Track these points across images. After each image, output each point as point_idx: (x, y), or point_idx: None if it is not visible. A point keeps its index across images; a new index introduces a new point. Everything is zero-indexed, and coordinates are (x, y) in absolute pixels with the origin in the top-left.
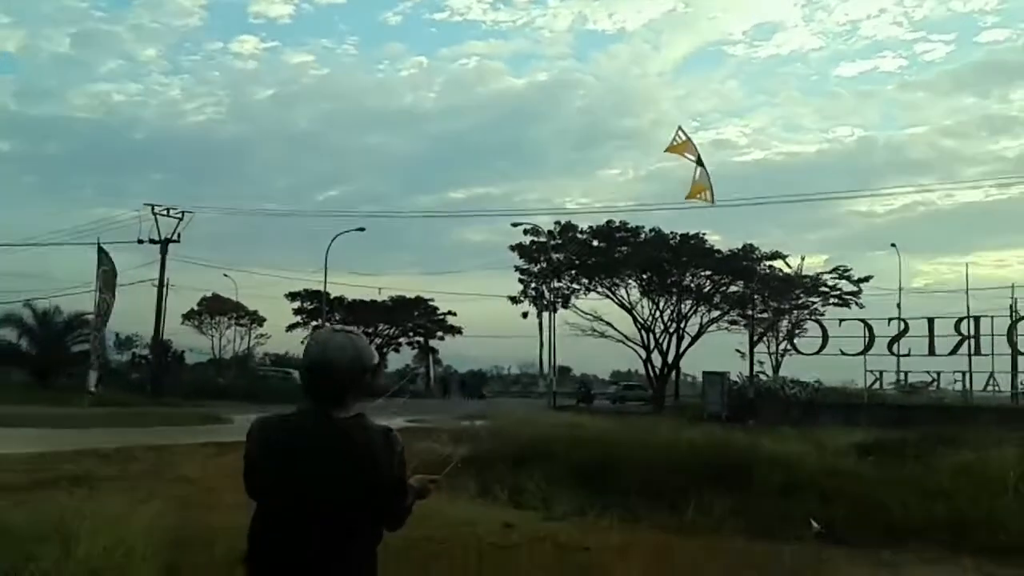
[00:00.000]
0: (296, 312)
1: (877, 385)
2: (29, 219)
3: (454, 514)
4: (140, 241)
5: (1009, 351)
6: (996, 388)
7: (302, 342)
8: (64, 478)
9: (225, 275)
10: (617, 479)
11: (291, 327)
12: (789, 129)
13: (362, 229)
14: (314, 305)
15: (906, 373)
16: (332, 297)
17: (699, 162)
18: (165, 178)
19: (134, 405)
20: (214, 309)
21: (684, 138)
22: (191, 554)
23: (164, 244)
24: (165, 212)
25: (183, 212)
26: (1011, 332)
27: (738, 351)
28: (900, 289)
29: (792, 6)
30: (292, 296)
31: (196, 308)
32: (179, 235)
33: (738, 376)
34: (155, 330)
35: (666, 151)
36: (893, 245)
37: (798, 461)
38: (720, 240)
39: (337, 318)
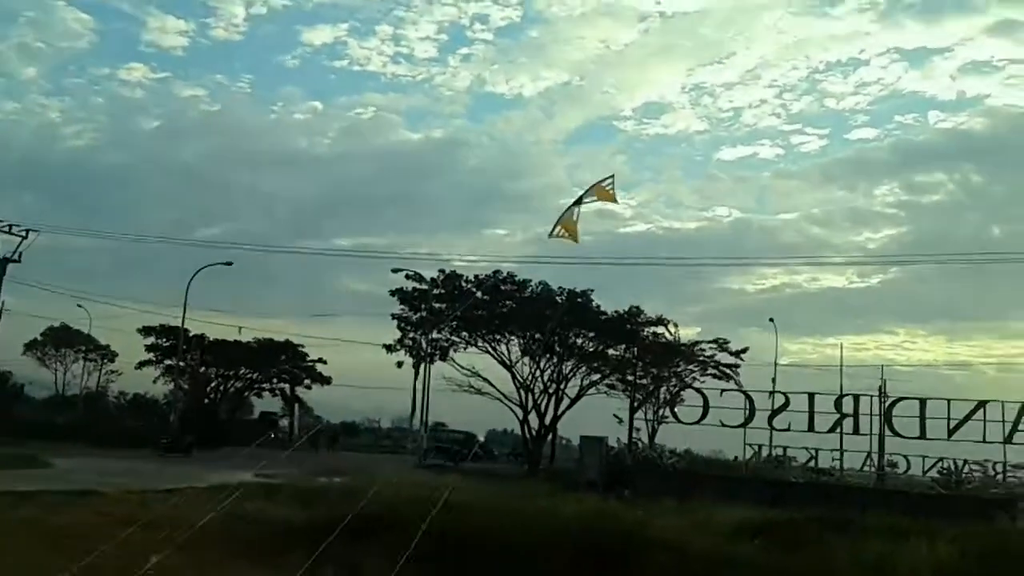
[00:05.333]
0: (149, 348)
1: (754, 459)
2: None
3: None
4: None
5: (884, 431)
6: (872, 468)
7: (154, 381)
8: None
9: (79, 305)
10: (481, 558)
11: (141, 364)
12: (671, 205)
13: (229, 263)
14: (170, 342)
15: (784, 448)
16: (192, 335)
17: (578, 202)
18: (37, 201)
19: None
20: (60, 340)
21: (612, 189)
22: None
23: (3, 264)
24: (7, 229)
25: (27, 231)
26: (888, 412)
27: (616, 416)
28: (776, 364)
29: (680, 90)
30: (146, 331)
31: (39, 338)
32: (20, 255)
33: (616, 442)
34: None
35: (591, 188)
36: (771, 320)
37: (687, 544)
38: (603, 304)
39: (193, 358)
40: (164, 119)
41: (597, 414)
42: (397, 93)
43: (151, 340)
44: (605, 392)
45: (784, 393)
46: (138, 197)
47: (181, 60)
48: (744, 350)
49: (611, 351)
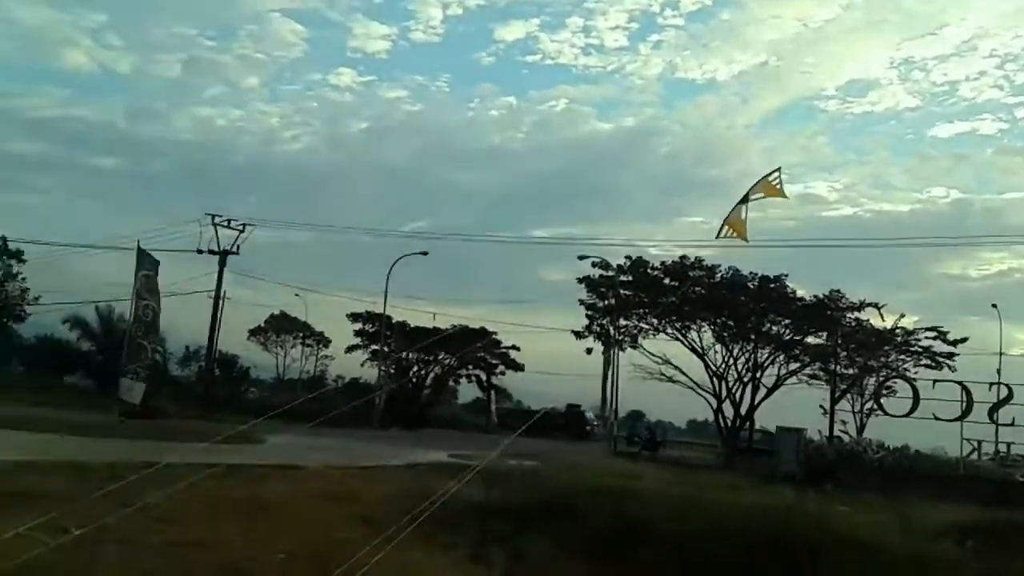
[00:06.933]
0: (356, 334)
1: (974, 456)
2: (134, 232)
3: None
4: (199, 251)
5: None
6: None
7: (361, 365)
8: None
9: (296, 295)
10: (647, 551)
11: (350, 348)
12: (879, 187)
13: (425, 253)
14: (375, 328)
15: (1009, 444)
16: (394, 321)
17: (745, 199)
18: (261, 201)
19: (177, 418)
20: (280, 327)
21: (779, 184)
22: None
23: (223, 255)
24: (226, 224)
25: (243, 224)
26: None
27: (821, 407)
28: (1000, 353)
29: (888, 65)
30: (354, 317)
31: (262, 325)
32: (238, 247)
33: (817, 434)
34: (208, 343)
35: (757, 183)
36: (994, 306)
37: (882, 543)
38: (803, 292)
39: (396, 344)
40: (371, 120)
41: (798, 405)
42: (588, 84)
43: (358, 326)
44: (806, 382)
45: (1008, 385)
46: (350, 195)
47: (385, 63)
48: (963, 339)
49: (810, 339)
